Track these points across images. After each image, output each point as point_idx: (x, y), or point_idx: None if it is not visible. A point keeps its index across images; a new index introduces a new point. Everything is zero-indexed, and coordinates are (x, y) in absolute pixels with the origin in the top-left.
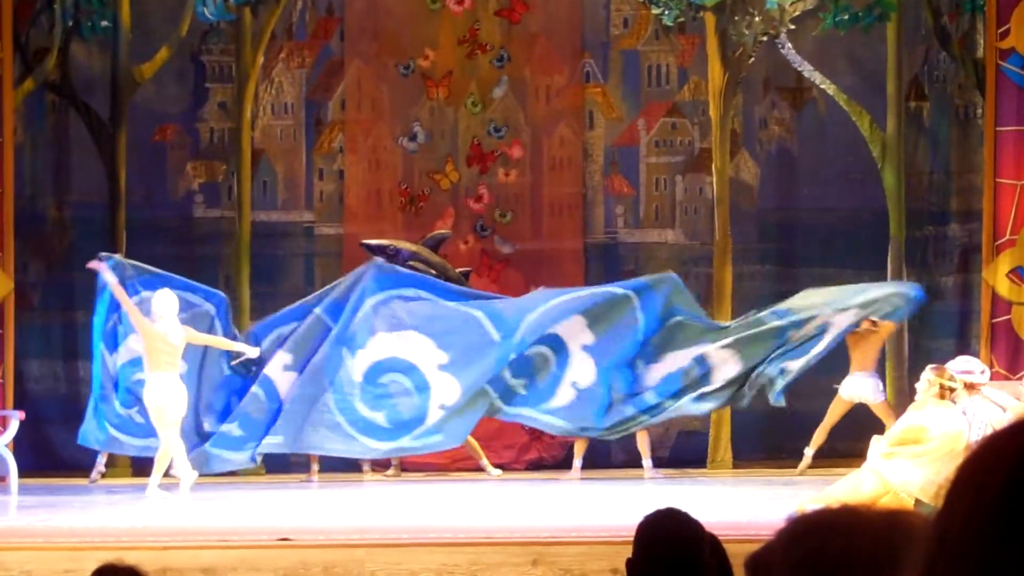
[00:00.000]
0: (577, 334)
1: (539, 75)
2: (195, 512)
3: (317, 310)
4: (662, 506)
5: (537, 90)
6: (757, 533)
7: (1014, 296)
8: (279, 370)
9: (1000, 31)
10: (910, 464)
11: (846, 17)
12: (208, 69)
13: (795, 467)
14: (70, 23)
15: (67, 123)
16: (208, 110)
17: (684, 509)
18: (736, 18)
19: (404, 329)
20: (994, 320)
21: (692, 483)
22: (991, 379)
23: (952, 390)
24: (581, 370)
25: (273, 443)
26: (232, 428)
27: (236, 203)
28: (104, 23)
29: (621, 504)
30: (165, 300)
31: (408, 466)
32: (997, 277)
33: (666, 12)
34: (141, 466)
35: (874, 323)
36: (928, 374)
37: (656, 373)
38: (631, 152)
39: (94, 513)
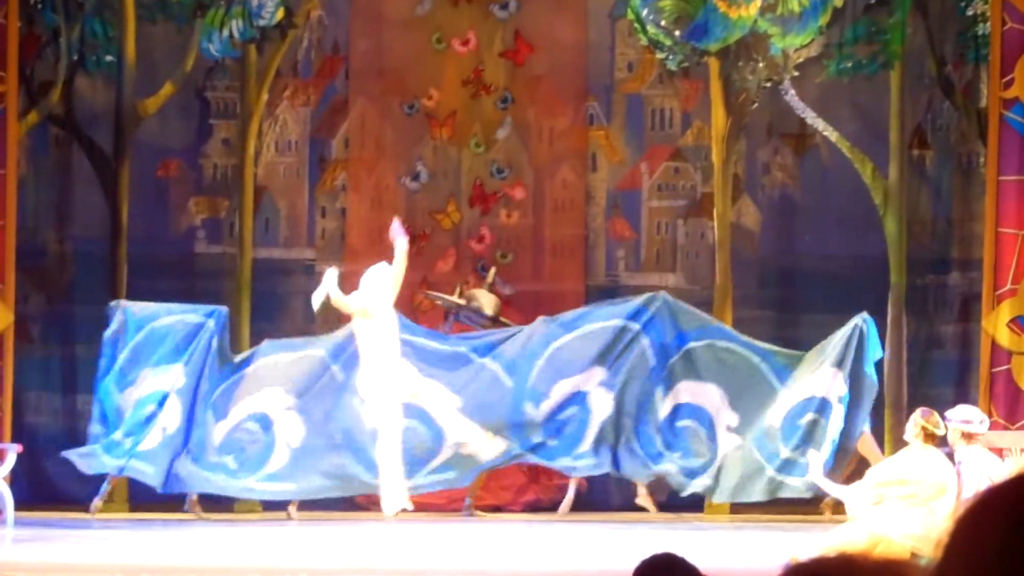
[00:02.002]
0: (595, 376)
1: (543, 117)
2: (191, 550)
3: (323, 355)
4: (659, 551)
5: (540, 132)
6: None
7: (1014, 346)
8: (280, 409)
9: (1004, 81)
10: (900, 510)
11: (850, 65)
12: (212, 105)
13: (793, 512)
14: (75, 57)
15: (70, 157)
16: (211, 146)
17: (681, 554)
18: (740, 64)
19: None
20: (994, 370)
21: (689, 528)
22: (990, 429)
23: (934, 436)
24: (601, 407)
25: (282, 490)
26: (228, 460)
27: (238, 239)
28: (109, 58)
29: (618, 548)
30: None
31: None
32: (997, 326)
33: (670, 57)
34: (138, 501)
35: None
36: (915, 416)
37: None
38: (633, 195)
39: (89, 547)
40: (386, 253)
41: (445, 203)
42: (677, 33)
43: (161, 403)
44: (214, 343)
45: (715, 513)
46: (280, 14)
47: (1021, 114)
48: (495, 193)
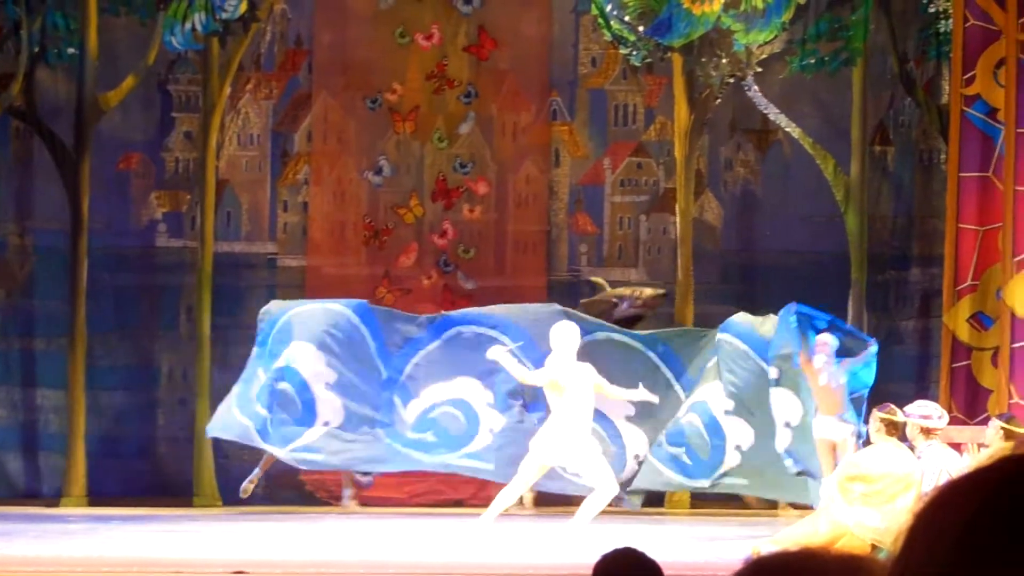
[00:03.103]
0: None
1: (506, 112)
2: (151, 543)
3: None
4: (619, 545)
5: (504, 127)
6: (714, 574)
7: (974, 341)
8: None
9: (965, 77)
10: (864, 506)
11: (812, 61)
12: (174, 98)
13: (750, 507)
14: (36, 49)
15: (31, 149)
16: (173, 139)
17: (641, 548)
18: (704, 59)
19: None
20: (954, 365)
21: (649, 522)
22: (950, 424)
23: (895, 425)
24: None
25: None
26: (427, 436)
27: (199, 233)
28: (71, 50)
29: (578, 543)
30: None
31: (367, 501)
32: (957, 322)
33: (634, 52)
34: (97, 495)
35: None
36: (874, 413)
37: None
38: (596, 191)
39: (49, 543)
40: (346, 249)
41: (408, 198)
42: (641, 29)
43: (291, 381)
44: (365, 334)
45: (675, 507)
46: (243, 7)
47: (982, 111)
48: (458, 188)
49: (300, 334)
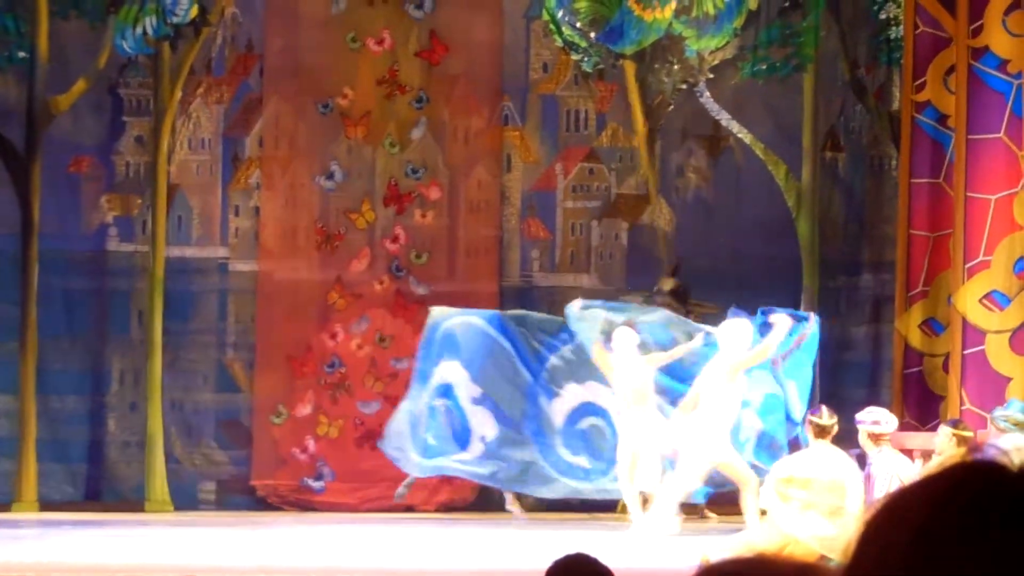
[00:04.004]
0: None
1: (458, 117)
2: (102, 549)
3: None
4: (571, 551)
5: (455, 132)
6: None
7: (926, 347)
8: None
9: (916, 84)
10: (806, 512)
11: (764, 67)
12: (125, 102)
13: (700, 514)
14: None
15: None
16: (124, 143)
17: (592, 554)
18: (656, 66)
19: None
20: (906, 371)
21: (602, 528)
22: (903, 430)
23: (823, 428)
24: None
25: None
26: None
27: (150, 238)
28: (21, 54)
29: (530, 549)
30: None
31: (318, 506)
32: (909, 328)
33: (585, 59)
34: (48, 500)
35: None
36: (808, 416)
37: None
38: (548, 196)
39: None
40: (298, 254)
41: (359, 203)
42: (592, 35)
43: (444, 395)
44: (504, 344)
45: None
46: (194, 11)
47: (932, 117)
48: (410, 193)
49: (448, 350)
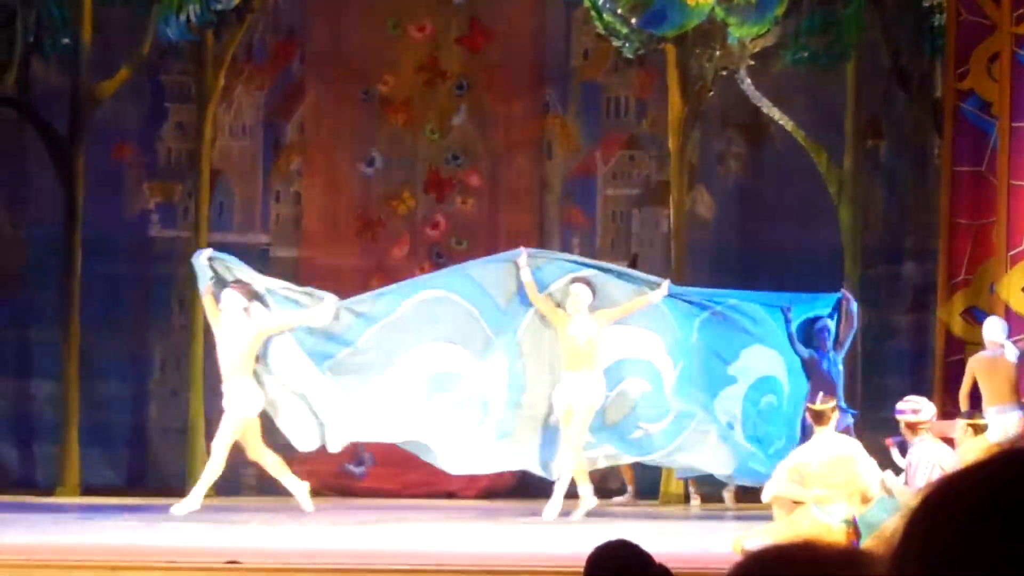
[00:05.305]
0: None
1: (498, 104)
2: (144, 532)
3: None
4: (612, 537)
5: (496, 119)
6: (706, 566)
7: (968, 336)
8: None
9: (959, 72)
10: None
11: (805, 55)
12: (168, 89)
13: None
14: (31, 39)
15: (25, 140)
16: (167, 130)
17: (634, 541)
18: (697, 51)
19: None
20: (948, 359)
21: (644, 515)
22: (944, 419)
23: (819, 414)
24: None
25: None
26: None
27: (192, 224)
28: (65, 40)
29: (571, 536)
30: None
31: (359, 492)
32: (952, 316)
33: (626, 44)
34: (90, 485)
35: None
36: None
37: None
38: (588, 183)
39: (43, 532)
40: (339, 240)
41: (400, 189)
42: (633, 20)
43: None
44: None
45: (670, 501)
46: None
47: (976, 105)
48: (450, 180)
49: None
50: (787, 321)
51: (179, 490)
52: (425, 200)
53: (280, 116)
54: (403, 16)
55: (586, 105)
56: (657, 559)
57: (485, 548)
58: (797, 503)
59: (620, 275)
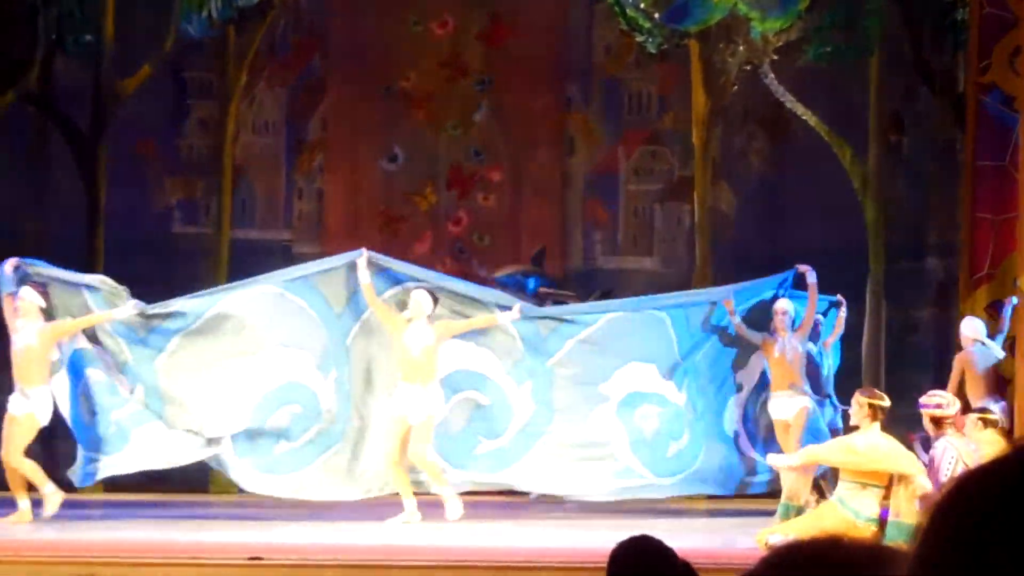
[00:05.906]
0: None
1: (520, 100)
2: (167, 529)
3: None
4: (635, 533)
5: (518, 114)
6: (729, 561)
7: (991, 331)
8: None
9: (981, 66)
10: (857, 495)
11: (828, 50)
12: (190, 85)
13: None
14: (53, 36)
15: (47, 137)
16: (189, 127)
17: (656, 536)
18: (720, 46)
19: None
20: None
21: (666, 511)
22: (967, 413)
23: (881, 409)
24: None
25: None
26: None
27: (215, 220)
28: (87, 37)
29: (594, 531)
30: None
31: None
32: (975, 312)
33: (649, 40)
34: (114, 482)
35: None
36: (858, 397)
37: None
38: (610, 179)
39: (67, 528)
40: (361, 236)
41: (422, 185)
42: (656, 16)
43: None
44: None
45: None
46: None
47: (998, 99)
48: (472, 175)
49: None
50: (728, 313)
51: (202, 486)
52: (447, 196)
53: (302, 112)
54: (425, 12)
55: (608, 101)
56: (680, 554)
57: (508, 544)
58: (818, 493)
59: (469, 295)
